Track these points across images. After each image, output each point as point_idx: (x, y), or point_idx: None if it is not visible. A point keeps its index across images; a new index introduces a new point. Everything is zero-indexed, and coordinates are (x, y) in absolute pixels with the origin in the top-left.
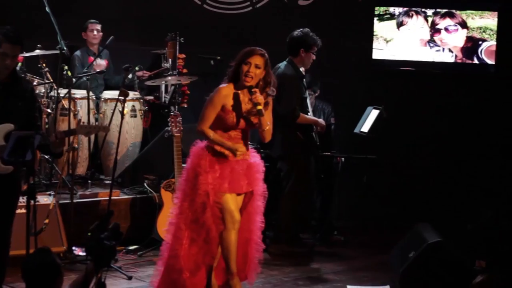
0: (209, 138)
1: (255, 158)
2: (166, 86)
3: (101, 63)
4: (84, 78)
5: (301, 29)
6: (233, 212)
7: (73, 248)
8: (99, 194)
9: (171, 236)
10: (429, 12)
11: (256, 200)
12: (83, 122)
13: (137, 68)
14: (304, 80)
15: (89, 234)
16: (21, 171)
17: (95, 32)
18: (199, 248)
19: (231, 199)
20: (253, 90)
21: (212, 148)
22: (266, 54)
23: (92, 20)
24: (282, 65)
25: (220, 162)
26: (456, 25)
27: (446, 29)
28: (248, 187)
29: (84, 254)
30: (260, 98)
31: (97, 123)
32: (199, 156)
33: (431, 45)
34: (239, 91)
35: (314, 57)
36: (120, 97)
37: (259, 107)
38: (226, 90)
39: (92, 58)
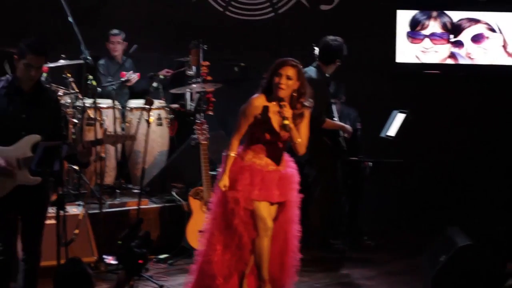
0: (228, 152)
1: (289, 169)
2: (191, 94)
3: (132, 77)
4: (110, 88)
5: (336, 37)
6: (265, 219)
7: (104, 256)
8: (128, 203)
9: (205, 242)
10: (453, 16)
11: (292, 209)
12: (110, 132)
13: (161, 77)
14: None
15: (119, 242)
16: (49, 182)
17: (116, 45)
18: (232, 254)
19: (263, 206)
20: (281, 103)
21: (244, 155)
22: (299, 65)
23: (113, 32)
24: (309, 70)
25: (251, 169)
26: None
27: (473, 39)
28: (280, 197)
29: (115, 262)
30: (287, 112)
31: (123, 132)
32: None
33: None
34: (272, 103)
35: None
36: (145, 106)
37: (286, 122)
38: (258, 101)
39: (122, 72)
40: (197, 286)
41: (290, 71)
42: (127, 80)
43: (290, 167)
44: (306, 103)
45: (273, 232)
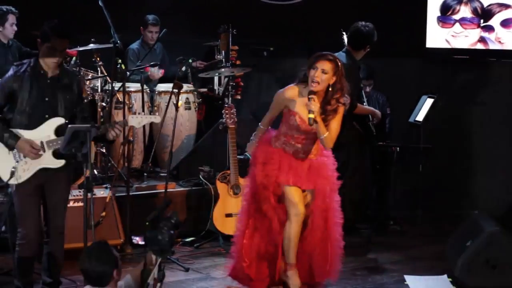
0: (259, 124)
1: (322, 157)
2: (220, 78)
3: (156, 74)
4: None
5: (367, 24)
6: (296, 204)
7: (133, 237)
8: (155, 186)
9: (237, 225)
10: (483, 1)
11: (327, 197)
12: (135, 113)
13: (190, 61)
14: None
15: (147, 224)
16: (71, 164)
17: (154, 34)
18: (261, 238)
19: (294, 191)
20: (310, 96)
21: (275, 141)
22: (337, 60)
23: (152, 21)
24: (339, 55)
25: (280, 155)
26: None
27: (503, 24)
28: (309, 185)
29: (143, 243)
30: (314, 105)
31: (149, 114)
32: (259, 146)
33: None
34: (304, 94)
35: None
36: (174, 90)
37: (311, 115)
38: (291, 92)
39: (146, 67)
40: (234, 269)
41: (326, 65)
42: (156, 64)
43: (323, 155)
44: (342, 100)
45: (312, 220)
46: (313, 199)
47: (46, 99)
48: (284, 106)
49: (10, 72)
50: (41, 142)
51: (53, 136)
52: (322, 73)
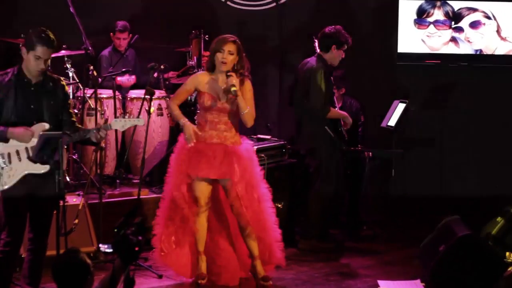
0: (171, 110)
1: (243, 145)
2: None
3: (127, 81)
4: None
5: (334, 26)
6: (198, 198)
7: (100, 245)
8: (128, 193)
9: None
10: (454, 5)
11: (256, 187)
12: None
13: (162, 67)
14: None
15: (115, 230)
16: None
17: (122, 41)
18: (177, 228)
19: (198, 184)
20: (228, 73)
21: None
22: (238, 40)
23: (121, 28)
24: (312, 60)
25: (195, 143)
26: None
27: (471, 25)
28: (224, 174)
29: (110, 250)
30: (235, 80)
31: (132, 117)
32: (180, 137)
33: (458, 42)
34: (215, 76)
35: (343, 55)
36: (146, 96)
37: (234, 88)
38: (201, 76)
39: (117, 79)
40: (157, 258)
41: (231, 47)
42: (127, 71)
43: (244, 144)
44: (246, 72)
45: (238, 211)
46: (231, 187)
47: (32, 106)
48: (195, 88)
49: None
50: (26, 148)
51: None
52: (229, 54)
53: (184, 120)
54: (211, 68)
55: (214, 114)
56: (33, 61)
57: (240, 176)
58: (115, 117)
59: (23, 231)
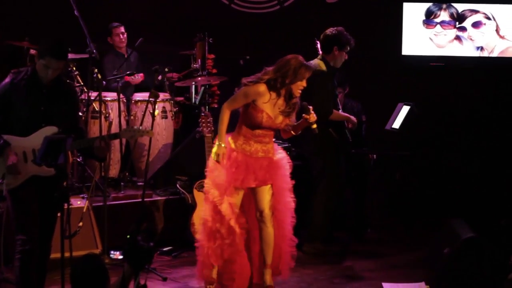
0: (221, 117)
1: (280, 155)
2: (196, 87)
3: (137, 78)
4: (115, 82)
5: (336, 28)
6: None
7: (111, 252)
8: (132, 196)
9: (201, 227)
10: (458, 7)
11: (285, 196)
12: (130, 126)
13: (166, 70)
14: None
15: (128, 237)
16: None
17: (121, 36)
18: (222, 240)
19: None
20: (310, 107)
21: (234, 140)
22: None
23: (115, 24)
24: (314, 62)
25: (238, 156)
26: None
27: (473, 25)
28: (267, 181)
29: (122, 257)
30: (315, 117)
31: (140, 127)
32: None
33: (462, 40)
34: (274, 95)
35: (346, 56)
36: (150, 99)
37: (315, 126)
38: (262, 88)
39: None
40: (199, 271)
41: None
42: (131, 73)
43: (279, 154)
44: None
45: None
46: (268, 194)
47: (42, 108)
48: (252, 100)
49: (7, 79)
50: (33, 150)
51: None
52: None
53: (221, 142)
54: (276, 88)
55: (264, 130)
56: (42, 69)
57: (276, 182)
58: (119, 120)
59: (37, 229)
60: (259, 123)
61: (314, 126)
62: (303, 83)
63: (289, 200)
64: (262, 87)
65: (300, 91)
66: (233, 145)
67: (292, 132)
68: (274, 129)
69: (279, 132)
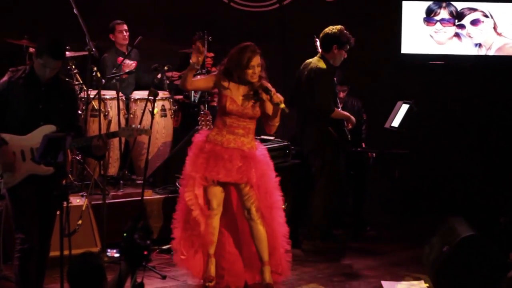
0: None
1: (258, 151)
2: None
3: (129, 63)
4: (114, 80)
5: (335, 26)
6: (210, 201)
7: (108, 250)
8: (131, 194)
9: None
10: (457, 5)
11: (272, 195)
12: (129, 125)
13: (166, 68)
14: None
15: (124, 235)
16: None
17: (125, 33)
18: (192, 230)
19: (212, 187)
20: (271, 89)
21: (210, 132)
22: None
23: (118, 21)
24: (314, 60)
25: (210, 147)
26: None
27: (472, 23)
28: (240, 178)
29: (118, 255)
30: (281, 96)
31: (139, 126)
32: (195, 137)
33: (461, 37)
34: (233, 83)
35: (345, 55)
36: (150, 97)
37: (283, 105)
38: (221, 78)
39: (121, 58)
40: (176, 260)
41: (259, 60)
42: (131, 72)
43: (260, 150)
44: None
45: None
46: (244, 190)
47: (40, 106)
48: (214, 84)
49: (5, 78)
50: (31, 148)
51: None
52: (258, 67)
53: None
54: (231, 75)
55: (233, 118)
56: (40, 67)
57: (258, 181)
58: (118, 118)
59: (36, 227)
60: (224, 107)
61: (282, 105)
62: (254, 70)
63: (278, 199)
64: (218, 75)
65: (254, 76)
66: (206, 138)
67: (270, 123)
68: (245, 117)
69: (264, 128)
